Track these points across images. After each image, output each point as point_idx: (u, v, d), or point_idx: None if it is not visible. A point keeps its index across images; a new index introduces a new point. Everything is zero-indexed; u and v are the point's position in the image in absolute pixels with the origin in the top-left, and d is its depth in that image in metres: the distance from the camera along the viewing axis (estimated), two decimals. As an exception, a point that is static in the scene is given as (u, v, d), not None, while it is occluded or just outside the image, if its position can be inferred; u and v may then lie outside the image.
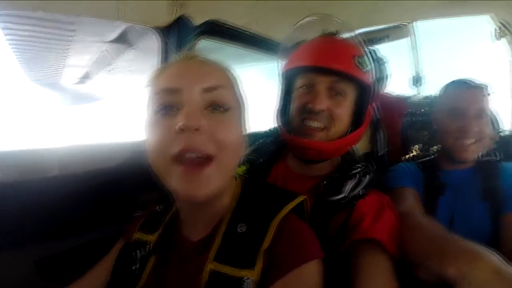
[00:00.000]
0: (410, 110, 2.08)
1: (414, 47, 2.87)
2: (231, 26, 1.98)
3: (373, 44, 2.59)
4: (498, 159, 1.41)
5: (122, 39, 2.82)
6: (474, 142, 1.32)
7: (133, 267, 0.84)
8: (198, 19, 1.71)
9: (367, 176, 1.09)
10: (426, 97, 2.41)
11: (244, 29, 2.10)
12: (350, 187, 1.05)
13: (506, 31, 2.16)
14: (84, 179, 1.32)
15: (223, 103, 0.72)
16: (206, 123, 0.67)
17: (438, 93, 1.51)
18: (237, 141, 0.75)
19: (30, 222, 1.19)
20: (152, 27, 1.65)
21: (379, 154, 1.77)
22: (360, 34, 1.22)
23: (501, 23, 2.16)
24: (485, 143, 1.36)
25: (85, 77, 4.33)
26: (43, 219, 1.22)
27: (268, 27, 2.23)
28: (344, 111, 1.09)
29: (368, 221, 0.96)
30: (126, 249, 0.90)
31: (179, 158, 0.66)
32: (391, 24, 2.71)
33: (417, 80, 2.92)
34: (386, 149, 1.78)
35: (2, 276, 1.14)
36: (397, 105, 2.14)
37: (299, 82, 1.13)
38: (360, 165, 1.13)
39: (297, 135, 1.10)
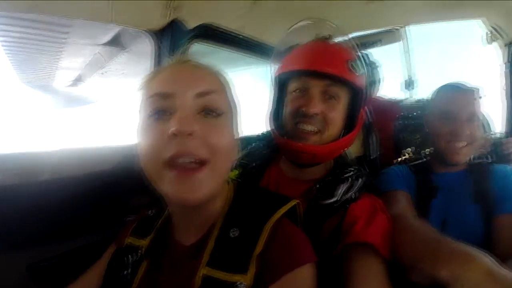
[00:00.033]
0: (402, 113, 2.09)
1: (406, 51, 2.89)
2: (225, 29, 1.99)
3: (365, 48, 2.61)
4: (490, 161, 1.42)
5: (115, 42, 2.82)
6: (465, 145, 1.33)
7: (125, 272, 0.83)
8: (191, 23, 1.71)
9: (360, 180, 1.10)
10: (418, 101, 2.43)
11: (238, 33, 2.10)
12: (342, 191, 1.05)
13: (497, 35, 2.18)
14: (76, 183, 1.31)
15: (216, 108, 0.72)
16: (199, 128, 0.67)
17: (430, 96, 1.52)
18: (230, 145, 0.75)
19: (21, 227, 1.17)
20: (145, 30, 1.64)
21: (371, 157, 1.78)
22: (353, 38, 1.23)
23: (492, 27, 2.18)
24: (476, 146, 1.37)
25: (78, 80, 4.32)
26: (34, 223, 1.20)
27: (262, 31, 2.24)
28: (337, 115, 1.09)
29: (361, 224, 0.97)
30: (118, 254, 0.89)
31: (171, 163, 0.66)
32: (384, 29, 2.73)
33: (409, 84, 2.94)
34: (378, 153, 1.79)
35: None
36: (389, 108, 2.16)
37: (292, 86, 1.13)
38: (352, 169, 1.14)
39: (291, 139, 1.09)
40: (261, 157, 1.27)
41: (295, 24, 1.27)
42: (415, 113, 2.03)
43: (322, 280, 0.75)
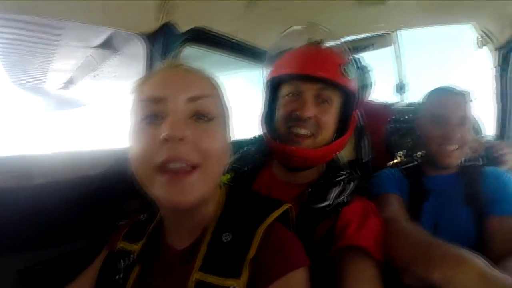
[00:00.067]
0: (394, 117, 2.09)
1: (398, 55, 2.90)
2: (217, 33, 1.99)
3: (357, 52, 2.62)
4: (481, 164, 1.43)
5: (108, 45, 2.80)
6: (457, 148, 1.34)
7: (117, 277, 0.83)
8: (184, 26, 1.71)
9: (352, 183, 1.10)
10: (410, 104, 2.44)
11: (230, 36, 2.11)
12: (335, 194, 1.06)
13: (488, 39, 2.20)
14: (67, 186, 1.30)
15: (208, 112, 0.72)
16: (190, 133, 0.67)
17: (421, 100, 1.53)
18: (222, 149, 0.75)
19: (12, 231, 1.16)
20: (137, 33, 1.64)
21: (363, 161, 1.78)
22: (345, 42, 1.23)
23: (483, 31, 2.20)
24: (467, 148, 1.38)
25: (70, 82, 4.28)
26: (25, 227, 1.19)
27: (254, 35, 2.24)
28: (330, 118, 1.10)
29: (353, 228, 0.97)
30: (110, 259, 0.89)
31: (163, 168, 0.66)
32: (376, 33, 2.74)
33: (400, 88, 2.95)
34: (370, 156, 1.80)
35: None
36: (381, 112, 2.17)
37: (285, 89, 1.14)
38: (344, 172, 1.14)
39: (284, 143, 1.10)
40: (253, 161, 1.27)
41: (288, 28, 1.28)
42: (406, 117, 2.04)
43: (315, 284, 0.75)
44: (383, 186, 1.38)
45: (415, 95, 2.82)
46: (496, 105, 2.25)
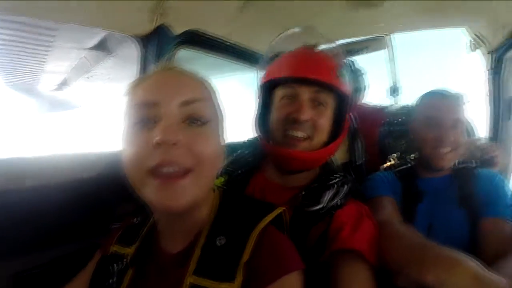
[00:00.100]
0: (387, 119, 2.10)
1: (391, 59, 2.91)
2: (211, 36, 1.99)
3: (351, 56, 2.63)
4: (474, 166, 1.44)
5: (102, 47, 2.80)
6: (450, 151, 1.34)
7: (111, 281, 0.82)
8: (178, 29, 1.71)
9: (345, 186, 1.11)
10: (403, 107, 2.44)
11: (224, 39, 2.10)
12: (328, 197, 1.06)
13: (481, 43, 2.22)
14: (60, 189, 1.28)
15: (201, 116, 0.72)
16: (183, 137, 0.66)
17: (414, 103, 1.54)
18: (215, 153, 0.74)
19: (4, 234, 1.15)
20: (131, 36, 1.63)
21: (357, 163, 1.79)
22: (339, 45, 1.24)
23: (475, 35, 2.22)
24: (461, 150, 1.39)
25: (63, 84, 4.27)
26: (17, 231, 1.17)
27: (249, 38, 2.24)
28: (326, 121, 1.11)
29: (347, 230, 0.97)
30: (103, 262, 0.88)
31: (155, 172, 0.66)
32: (369, 36, 2.76)
33: (394, 91, 2.95)
34: (364, 159, 1.80)
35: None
36: (374, 115, 2.17)
37: (280, 92, 1.14)
38: (338, 175, 1.15)
39: (279, 146, 1.10)
40: (246, 164, 1.26)
41: (285, 31, 1.29)
42: (400, 119, 2.05)
43: (309, 287, 0.75)
44: (377, 189, 1.39)
45: (408, 98, 2.83)
46: (488, 107, 2.27)
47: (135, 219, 0.93)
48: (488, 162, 1.56)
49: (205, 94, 0.78)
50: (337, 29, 2.30)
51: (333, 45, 1.24)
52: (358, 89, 2.19)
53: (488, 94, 2.25)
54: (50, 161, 1.34)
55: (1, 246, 1.16)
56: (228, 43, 2.16)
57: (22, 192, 1.19)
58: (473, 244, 1.23)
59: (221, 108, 0.83)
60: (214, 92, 0.81)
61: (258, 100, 1.23)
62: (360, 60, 2.39)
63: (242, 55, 2.35)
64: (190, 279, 0.70)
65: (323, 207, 1.04)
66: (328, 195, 1.06)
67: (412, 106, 1.57)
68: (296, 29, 1.29)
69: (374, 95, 2.58)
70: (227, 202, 0.85)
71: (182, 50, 1.81)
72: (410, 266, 0.90)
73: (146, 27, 1.60)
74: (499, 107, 2.22)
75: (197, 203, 0.75)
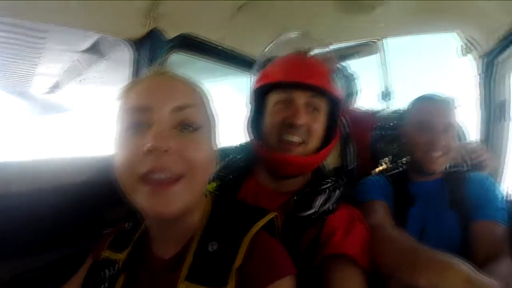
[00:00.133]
0: (379, 124, 2.11)
1: (383, 63, 2.93)
2: (204, 40, 1.99)
3: (343, 60, 2.64)
4: (466, 169, 1.45)
5: (94, 50, 2.78)
6: (442, 155, 1.35)
7: (102, 287, 0.81)
8: (171, 33, 1.71)
9: (337, 191, 1.11)
10: (395, 111, 2.47)
11: (217, 43, 2.11)
12: (320, 202, 1.06)
13: (472, 47, 2.24)
14: (51, 194, 1.27)
15: (193, 122, 0.71)
16: (175, 144, 0.66)
17: (406, 107, 1.55)
18: (207, 159, 0.74)
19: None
20: (124, 39, 1.63)
21: (349, 168, 1.79)
22: (331, 50, 1.25)
23: (467, 39, 2.24)
24: (453, 154, 1.40)
25: (55, 87, 4.23)
26: (8, 235, 1.16)
27: (242, 42, 2.25)
28: (320, 126, 1.11)
29: (339, 235, 0.98)
30: (94, 268, 0.87)
31: (146, 178, 0.65)
32: (361, 41, 2.77)
33: (386, 95, 2.97)
34: (356, 163, 1.80)
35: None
36: (366, 119, 2.18)
37: (275, 97, 1.14)
38: (330, 180, 1.15)
39: (273, 150, 1.10)
40: (238, 169, 1.26)
41: (279, 36, 1.29)
42: (391, 124, 2.06)
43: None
44: (369, 193, 1.39)
45: (400, 102, 2.85)
46: (479, 111, 2.29)
47: (126, 224, 0.92)
48: (477, 165, 1.57)
49: (198, 100, 0.77)
50: (330, 34, 2.31)
51: (326, 50, 1.25)
52: (351, 94, 2.21)
53: (479, 98, 2.28)
54: (40, 165, 1.33)
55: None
56: (220, 48, 2.16)
57: (12, 197, 1.17)
58: (465, 247, 1.23)
59: (214, 113, 0.82)
60: (206, 98, 0.81)
61: (250, 104, 1.23)
62: (352, 65, 2.40)
63: (234, 60, 2.35)
64: (182, 285, 0.70)
65: (315, 212, 1.04)
66: (320, 200, 1.07)
67: (404, 111, 1.58)
68: (290, 34, 1.29)
69: (366, 99, 2.59)
70: (219, 207, 0.85)
71: (174, 54, 1.80)
72: (402, 270, 0.90)
73: (139, 31, 1.60)
74: (489, 111, 2.24)
75: (189, 209, 0.74)
